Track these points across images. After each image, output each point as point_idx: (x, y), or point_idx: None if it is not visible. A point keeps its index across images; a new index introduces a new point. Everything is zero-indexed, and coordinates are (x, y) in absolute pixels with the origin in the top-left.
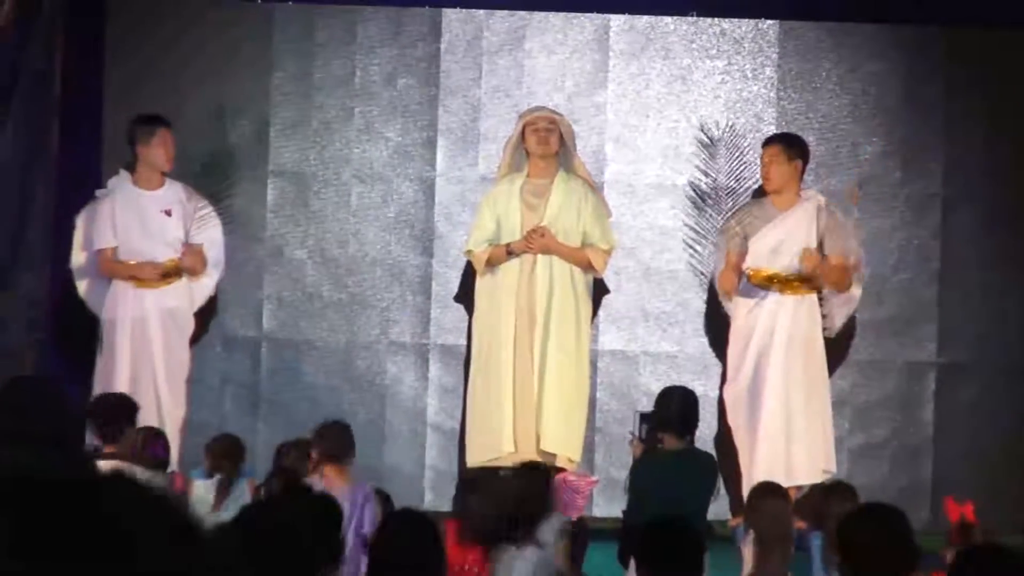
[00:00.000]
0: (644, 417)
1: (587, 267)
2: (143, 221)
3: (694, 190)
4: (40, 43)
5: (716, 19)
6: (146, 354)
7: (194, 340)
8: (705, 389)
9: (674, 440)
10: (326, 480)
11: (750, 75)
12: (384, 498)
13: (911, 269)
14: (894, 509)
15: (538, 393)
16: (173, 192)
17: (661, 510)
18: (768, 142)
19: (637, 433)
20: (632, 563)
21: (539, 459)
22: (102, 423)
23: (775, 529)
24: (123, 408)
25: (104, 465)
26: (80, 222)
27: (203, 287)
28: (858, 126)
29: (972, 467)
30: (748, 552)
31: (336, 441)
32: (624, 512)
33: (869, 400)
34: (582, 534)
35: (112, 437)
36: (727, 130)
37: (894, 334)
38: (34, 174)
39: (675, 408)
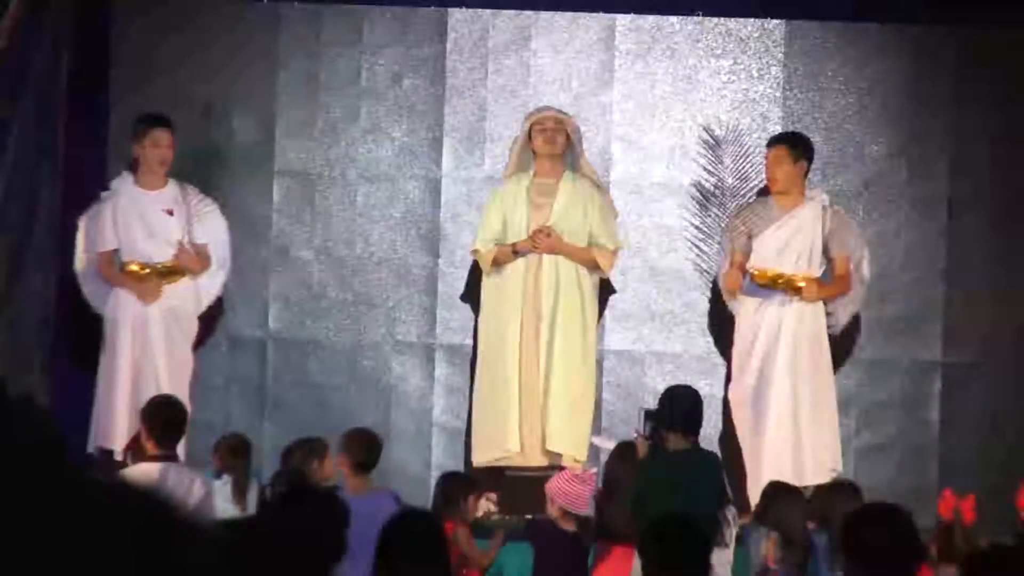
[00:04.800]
0: (649, 415)
1: (593, 267)
2: (145, 221)
3: (699, 190)
4: (46, 42)
5: (722, 19)
6: (148, 353)
7: (201, 342)
8: (711, 389)
9: (679, 440)
10: (350, 488)
11: (756, 75)
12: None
13: (917, 269)
14: (899, 508)
15: (544, 393)
16: (174, 191)
17: (667, 510)
18: (773, 142)
19: (642, 431)
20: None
21: (545, 459)
22: (160, 429)
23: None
24: (180, 414)
25: (153, 468)
26: (82, 224)
27: (209, 287)
28: (864, 126)
29: (978, 467)
30: (760, 550)
31: (365, 449)
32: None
33: (875, 400)
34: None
35: (167, 443)
36: (732, 130)
37: (900, 334)
38: (40, 173)
39: (680, 408)
